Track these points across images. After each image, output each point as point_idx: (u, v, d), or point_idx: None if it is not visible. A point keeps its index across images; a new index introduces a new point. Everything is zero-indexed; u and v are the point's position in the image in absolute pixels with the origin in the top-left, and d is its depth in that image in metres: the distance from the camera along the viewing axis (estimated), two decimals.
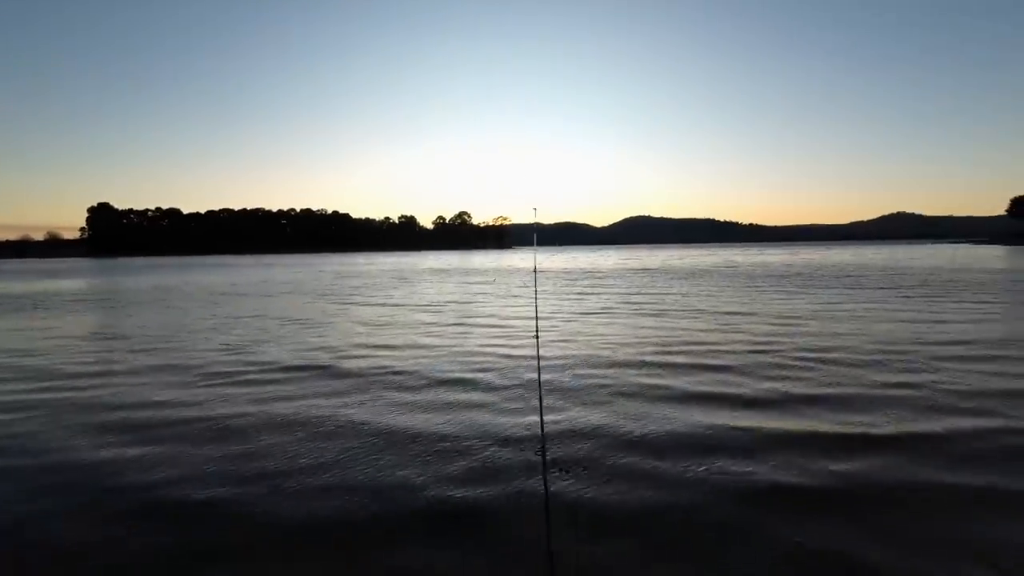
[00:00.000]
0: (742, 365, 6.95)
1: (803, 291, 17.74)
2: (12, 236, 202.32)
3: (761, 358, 7.37)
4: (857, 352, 7.59)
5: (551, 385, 6.04)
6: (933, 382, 5.99)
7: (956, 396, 5.48)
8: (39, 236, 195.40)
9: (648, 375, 6.54)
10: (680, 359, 7.42)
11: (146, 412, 5.52)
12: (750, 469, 3.81)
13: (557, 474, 3.67)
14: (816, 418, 4.91)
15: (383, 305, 16.51)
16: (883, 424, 4.68)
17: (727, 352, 7.82)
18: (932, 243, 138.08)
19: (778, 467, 3.84)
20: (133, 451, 4.45)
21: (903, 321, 10.62)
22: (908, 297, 15.31)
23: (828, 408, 5.17)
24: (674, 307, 13.97)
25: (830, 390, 5.76)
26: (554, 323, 11.59)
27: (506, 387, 6.16)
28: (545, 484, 3.22)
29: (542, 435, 4.29)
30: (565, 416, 5.01)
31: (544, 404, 5.12)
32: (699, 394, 5.67)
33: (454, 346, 9.04)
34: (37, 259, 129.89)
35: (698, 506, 3.27)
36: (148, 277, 37.05)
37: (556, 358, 7.57)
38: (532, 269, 40.33)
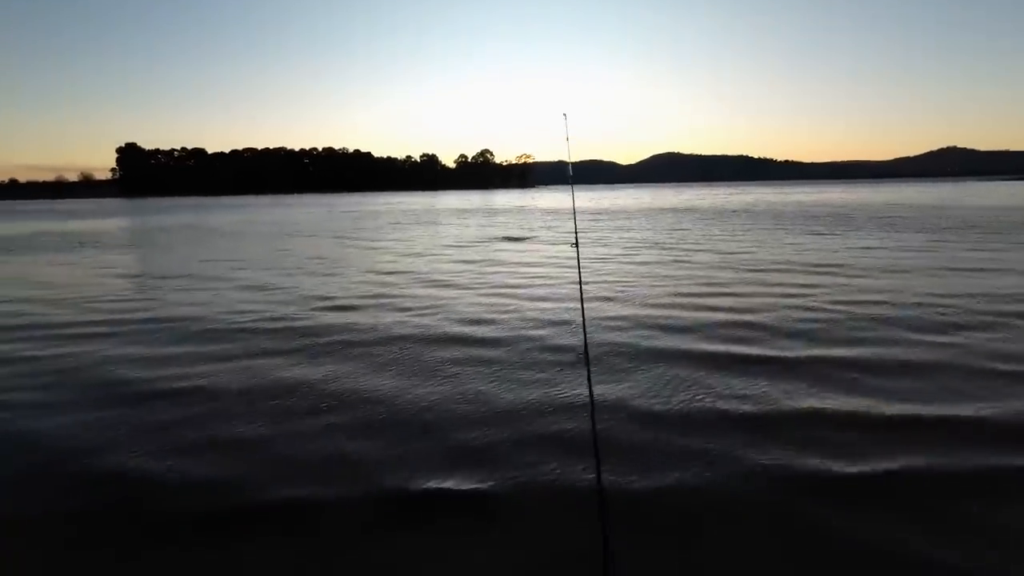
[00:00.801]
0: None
1: (843, 234, 16.91)
2: (48, 177, 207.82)
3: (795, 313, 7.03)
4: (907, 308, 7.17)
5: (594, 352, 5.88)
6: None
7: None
8: (73, 177, 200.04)
9: (675, 336, 6.31)
10: (711, 315, 7.14)
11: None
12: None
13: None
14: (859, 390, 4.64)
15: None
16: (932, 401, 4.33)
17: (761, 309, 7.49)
18: (987, 180, 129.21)
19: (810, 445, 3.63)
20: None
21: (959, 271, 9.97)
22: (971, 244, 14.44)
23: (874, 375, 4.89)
24: (697, 249, 13.50)
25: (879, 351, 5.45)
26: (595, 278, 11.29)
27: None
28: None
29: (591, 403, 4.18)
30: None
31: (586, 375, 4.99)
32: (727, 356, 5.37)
33: (503, 304, 8.88)
34: (72, 200, 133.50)
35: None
36: (182, 216, 37.67)
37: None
38: (551, 210, 39.51)
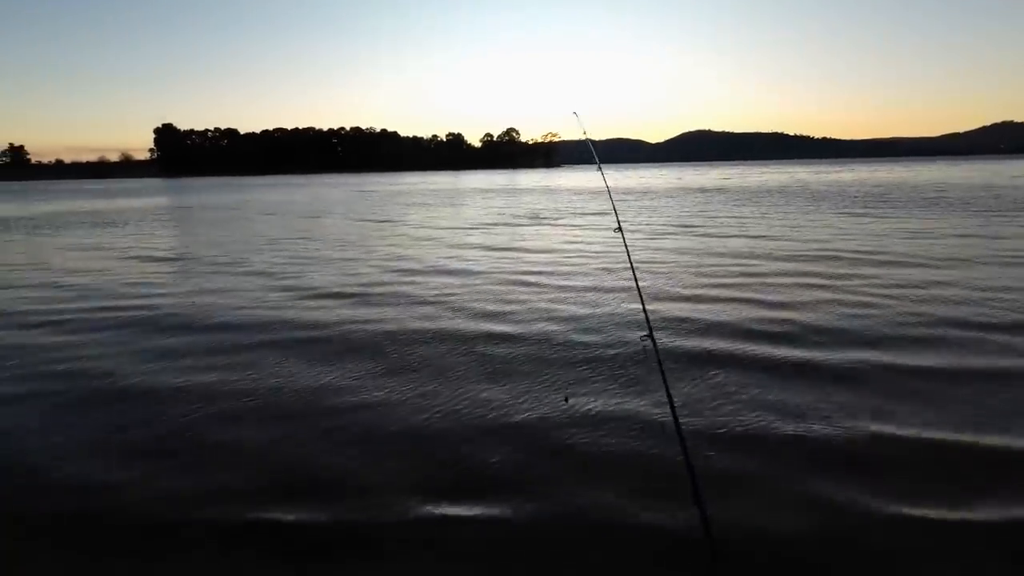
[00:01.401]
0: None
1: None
2: (92, 157, 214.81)
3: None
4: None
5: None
6: None
7: None
8: (114, 157, 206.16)
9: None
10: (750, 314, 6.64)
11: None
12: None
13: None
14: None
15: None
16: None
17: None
18: None
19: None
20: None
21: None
22: None
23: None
24: (726, 233, 12.81)
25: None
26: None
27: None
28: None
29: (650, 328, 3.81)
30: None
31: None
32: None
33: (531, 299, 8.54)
34: (115, 179, 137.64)
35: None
36: (231, 195, 38.25)
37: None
38: (578, 190, 38.68)
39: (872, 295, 6.42)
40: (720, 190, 31.46)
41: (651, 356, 2.50)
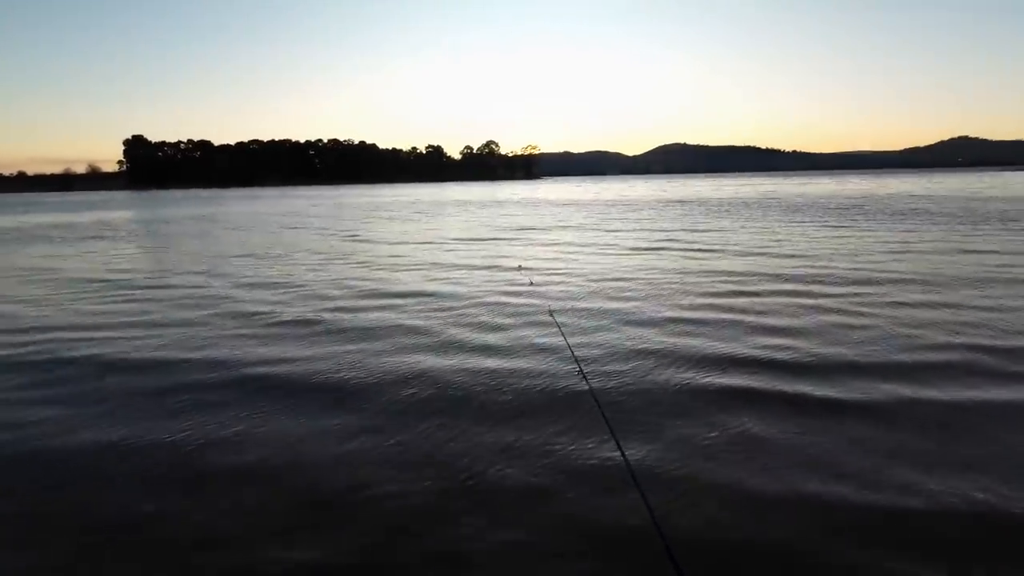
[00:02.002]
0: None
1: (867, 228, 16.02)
2: (56, 169, 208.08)
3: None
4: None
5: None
6: None
7: None
8: (81, 169, 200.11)
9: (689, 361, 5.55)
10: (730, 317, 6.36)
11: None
12: None
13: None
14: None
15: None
16: None
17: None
18: (999, 171, 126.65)
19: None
20: None
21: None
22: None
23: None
24: (711, 246, 12.68)
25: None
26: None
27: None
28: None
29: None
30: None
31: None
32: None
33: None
34: (82, 192, 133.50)
35: None
36: (191, 208, 37.08)
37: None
38: (560, 202, 38.64)
39: (871, 318, 6.21)
40: (702, 202, 31.68)
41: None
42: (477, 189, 79.61)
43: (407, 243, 15.34)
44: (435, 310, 7.02)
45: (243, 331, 6.17)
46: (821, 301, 6.93)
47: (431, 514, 2.75)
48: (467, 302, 7.41)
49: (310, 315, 6.85)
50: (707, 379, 4.42)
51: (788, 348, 5.14)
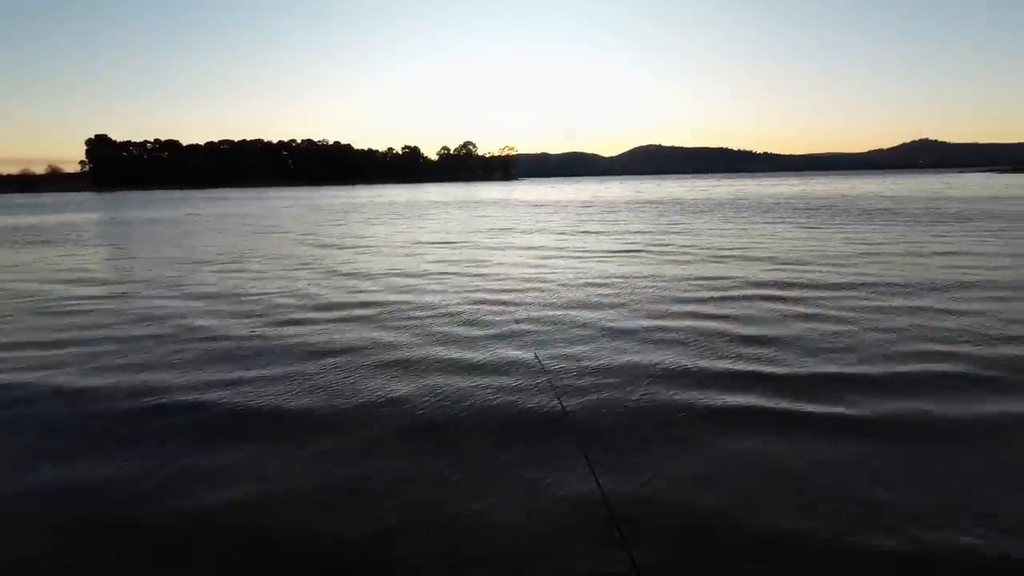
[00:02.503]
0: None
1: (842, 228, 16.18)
2: (13, 170, 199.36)
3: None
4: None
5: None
6: None
7: None
8: (40, 170, 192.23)
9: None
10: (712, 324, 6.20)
11: None
12: None
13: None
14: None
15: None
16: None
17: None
18: (958, 172, 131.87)
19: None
20: None
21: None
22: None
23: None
24: (690, 247, 12.60)
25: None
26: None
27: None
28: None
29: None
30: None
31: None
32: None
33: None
34: (42, 193, 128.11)
35: None
36: (168, 210, 35.72)
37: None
38: (537, 203, 38.49)
39: (862, 325, 6.12)
40: (677, 202, 31.87)
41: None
42: (454, 190, 79.01)
43: (376, 247, 14.91)
44: (404, 321, 6.68)
45: (184, 351, 5.68)
46: (798, 308, 6.82)
47: (391, 564, 2.44)
48: (436, 312, 7.09)
49: (262, 330, 6.40)
50: (687, 396, 4.20)
51: (768, 360, 4.98)
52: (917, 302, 6.88)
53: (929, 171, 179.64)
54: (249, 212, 33.81)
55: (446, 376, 4.75)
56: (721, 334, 5.74)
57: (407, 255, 13.07)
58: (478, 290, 8.43)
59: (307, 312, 7.27)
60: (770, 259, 10.80)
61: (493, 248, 14.02)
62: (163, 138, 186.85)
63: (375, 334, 6.10)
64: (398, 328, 6.32)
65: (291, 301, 7.95)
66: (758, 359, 4.95)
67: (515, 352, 5.31)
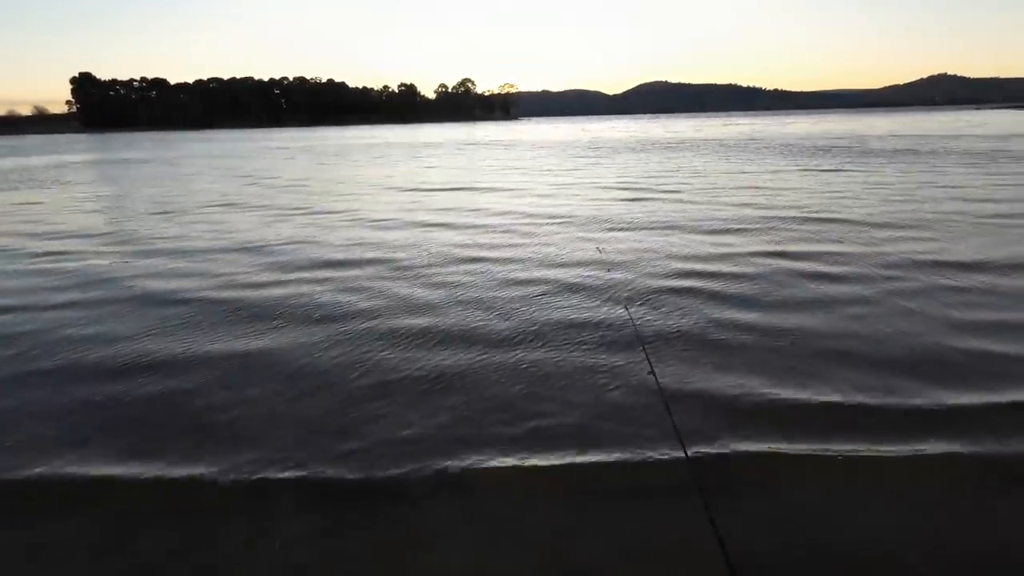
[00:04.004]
0: None
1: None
2: None
3: None
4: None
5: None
6: None
7: None
8: (26, 111, 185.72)
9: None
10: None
11: None
12: None
13: None
14: None
15: None
16: None
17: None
18: (979, 109, 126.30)
19: None
20: None
21: None
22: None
23: None
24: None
25: None
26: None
27: None
28: None
29: None
30: None
31: None
32: None
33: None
34: (27, 135, 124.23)
35: None
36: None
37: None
38: (541, 144, 36.99)
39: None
40: (688, 145, 30.32)
41: None
42: (453, 131, 76.09)
43: (364, 194, 13.98)
44: (389, 278, 5.96)
45: (127, 320, 4.90)
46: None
47: None
48: (426, 271, 6.36)
49: (227, 294, 5.56)
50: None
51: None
52: None
53: (945, 108, 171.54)
54: (242, 154, 32.34)
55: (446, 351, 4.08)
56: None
57: (399, 202, 12.14)
58: (473, 245, 7.64)
59: (282, 272, 6.55)
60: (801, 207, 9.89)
61: (495, 194, 13.06)
62: (150, 76, 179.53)
63: (360, 300, 5.38)
64: (387, 283, 5.61)
65: (263, 261, 7.21)
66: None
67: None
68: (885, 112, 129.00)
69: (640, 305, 4.69)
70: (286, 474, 2.61)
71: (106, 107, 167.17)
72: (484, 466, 2.63)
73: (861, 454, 2.63)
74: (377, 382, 3.50)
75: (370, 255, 6.81)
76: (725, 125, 61.42)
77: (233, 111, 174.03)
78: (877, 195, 10.27)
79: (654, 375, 3.15)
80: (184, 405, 3.30)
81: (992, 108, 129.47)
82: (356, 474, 2.60)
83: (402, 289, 5.40)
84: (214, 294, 5.41)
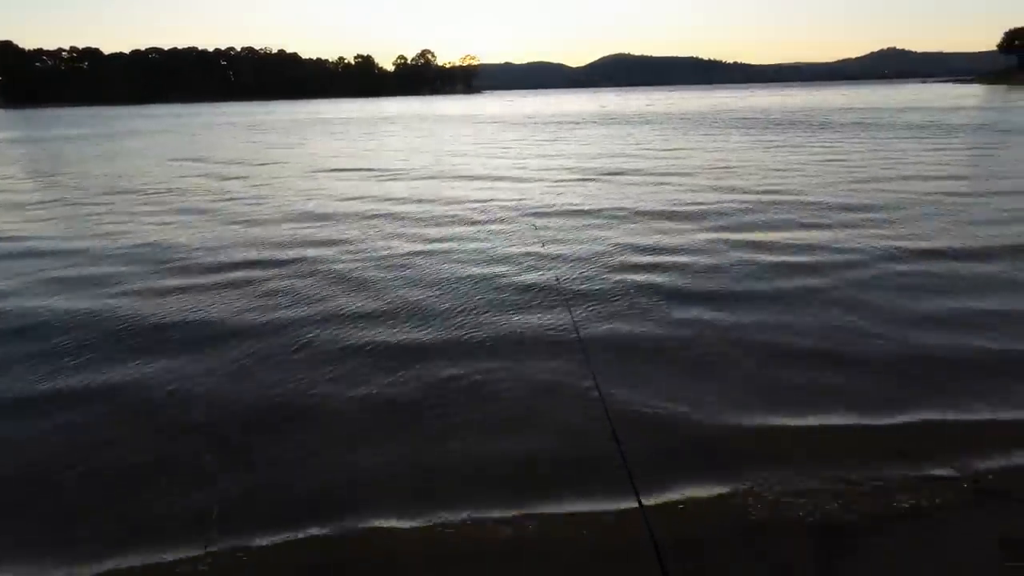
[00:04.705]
0: None
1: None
2: None
3: None
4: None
5: None
6: None
7: None
8: None
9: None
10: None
11: None
12: None
13: None
14: None
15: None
16: None
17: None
18: (923, 82, 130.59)
19: None
20: None
21: None
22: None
23: None
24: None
25: None
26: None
27: None
28: None
29: None
30: None
31: None
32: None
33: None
34: None
35: None
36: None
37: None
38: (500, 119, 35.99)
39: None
40: (654, 119, 29.88)
41: None
42: (411, 104, 73.52)
43: (296, 176, 12.97)
44: (314, 276, 5.27)
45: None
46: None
47: None
48: (357, 261, 5.68)
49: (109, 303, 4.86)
50: None
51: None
52: None
53: (897, 82, 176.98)
54: (174, 131, 30.10)
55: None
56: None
57: (345, 187, 11.24)
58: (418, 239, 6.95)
59: (193, 276, 5.73)
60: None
61: (453, 183, 12.29)
62: (80, 46, 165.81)
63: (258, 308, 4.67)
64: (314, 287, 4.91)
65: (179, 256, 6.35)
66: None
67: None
68: (840, 85, 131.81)
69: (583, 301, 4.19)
70: None
71: (29, 80, 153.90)
72: None
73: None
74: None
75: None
76: (684, 100, 61.39)
77: (176, 84, 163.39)
78: (836, 173, 10.06)
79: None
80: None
81: (936, 81, 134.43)
82: None
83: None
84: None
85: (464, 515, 2.23)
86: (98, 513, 2.33)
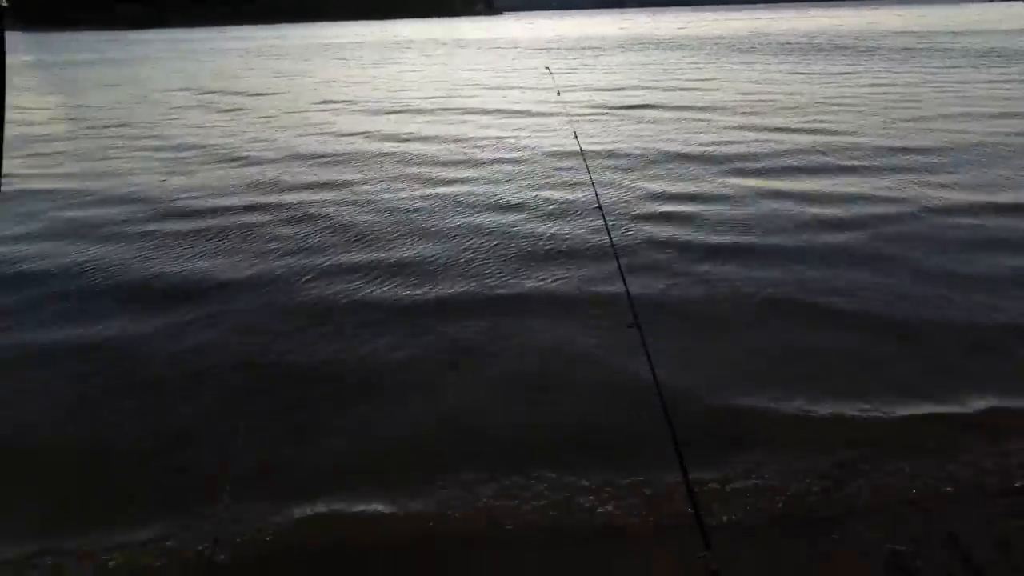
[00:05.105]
0: None
1: None
2: None
3: None
4: None
5: None
6: None
7: None
8: None
9: None
10: None
11: None
12: None
13: None
14: None
15: None
16: None
17: None
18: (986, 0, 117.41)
19: None
20: None
21: None
22: None
23: None
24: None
25: None
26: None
27: None
28: None
29: None
30: None
31: None
32: None
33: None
34: None
35: None
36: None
37: None
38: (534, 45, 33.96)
39: None
40: (692, 42, 27.69)
41: None
42: (429, 28, 69.76)
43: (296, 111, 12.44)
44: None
45: None
46: None
47: None
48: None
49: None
50: None
51: None
52: None
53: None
54: (184, 56, 29.11)
55: None
56: None
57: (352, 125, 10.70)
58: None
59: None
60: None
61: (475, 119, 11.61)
62: None
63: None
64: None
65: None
66: None
67: None
68: (894, 4, 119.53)
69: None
70: None
71: (44, 4, 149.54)
72: None
73: None
74: None
75: None
76: (720, 21, 56.58)
77: (188, 7, 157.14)
78: (888, 110, 9.11)
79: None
80: None
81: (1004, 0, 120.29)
82: None
83: None
84: None
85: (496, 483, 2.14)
86: (93, 480, 2.25)
